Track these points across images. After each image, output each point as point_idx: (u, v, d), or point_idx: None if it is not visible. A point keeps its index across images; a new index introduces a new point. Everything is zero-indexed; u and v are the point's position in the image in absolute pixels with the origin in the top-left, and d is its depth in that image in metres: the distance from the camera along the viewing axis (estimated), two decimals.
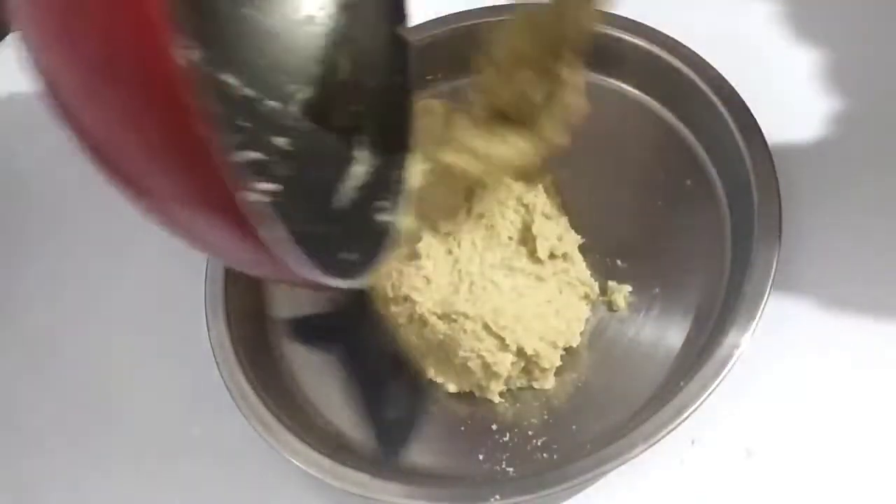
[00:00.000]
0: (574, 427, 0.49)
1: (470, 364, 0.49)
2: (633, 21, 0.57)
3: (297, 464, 0.48)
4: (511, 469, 0.48)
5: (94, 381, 0.58)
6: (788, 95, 0.56)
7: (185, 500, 0.53)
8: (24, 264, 0.64)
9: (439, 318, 0.49)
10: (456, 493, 0.46)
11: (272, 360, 0.55)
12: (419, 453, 0.50)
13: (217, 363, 0.52)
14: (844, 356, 0.48)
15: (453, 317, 0.49)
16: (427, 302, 0.50)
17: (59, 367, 0.59)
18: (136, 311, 0.60)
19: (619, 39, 0.57)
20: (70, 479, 0.55)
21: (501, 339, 0.49)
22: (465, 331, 0.49)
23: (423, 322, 0.50)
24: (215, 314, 0.54)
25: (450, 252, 0.51)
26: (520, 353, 0.49)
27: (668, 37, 0.56)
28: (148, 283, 0.61)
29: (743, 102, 0.52)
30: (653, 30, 0.56)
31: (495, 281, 0.50)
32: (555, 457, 0.48)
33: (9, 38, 0.75)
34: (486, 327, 0.49)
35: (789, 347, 0.48)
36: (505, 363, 0.49)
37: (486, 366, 0.49)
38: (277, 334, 0.56)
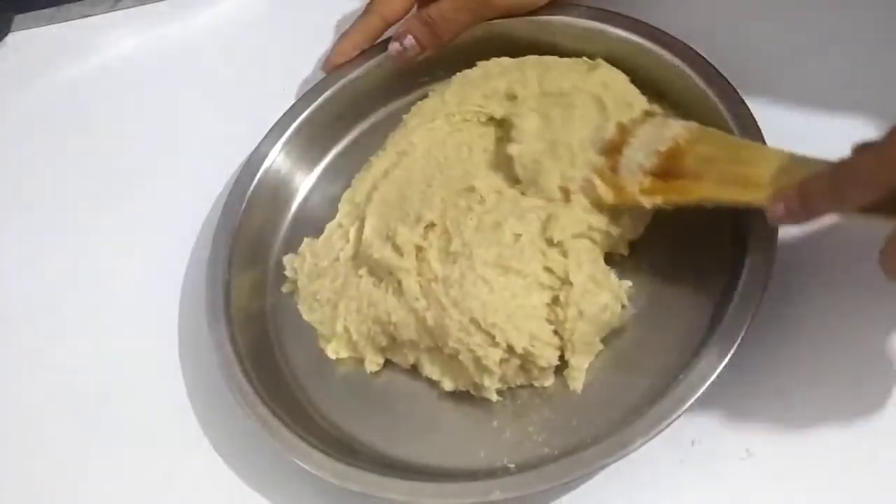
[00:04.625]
0: (574, 423, 0.49)
1: (461, 358, 0.49)
2: (634, 20, 0.57)
3: (298, 462, 0.48)
4: (512, 465, 0.48)
5: (94, 381, 0.58)
6: (790, 96, 0.56)
7: (186, 500, 0.53)
8: (25, 263, 0.64)
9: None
10: (457, 489, 0.46)
11: (273, 359, 0.55)
12: (419, 450, 0.50)
13: (217, 363, 0.52)
14: (844, 355, 0.48)
15: (442, 302, 0.49)
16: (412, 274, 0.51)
17: (59, 368, 0.59)
18: (138, 313, 0.60)
19: (621, 39, 0.57)
20: (70, 480, 0.55)
21: (491, 336, 0.49)
22: (451, 319, 0.49)
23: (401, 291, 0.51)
24: (216, 315, 0.54)
25: (449, 240, 0.51)
26: (510, 350, 0.49)
27: (669, 35, 0.56)
28: (149, 284, 0.61)
29: (743, 102, 0.52)
30: (654, 28, 0.56)
31: (487, 278, 0.50)
32: (555, 452, 0.48)
33: (9, 37, 0.75)
34: (474, 322, 0.49)
35: (789, 347, 0.48)
36: (494, 358, 0.49)
37: (476, 360, 0.49)
38: (278, 334, 0.56)
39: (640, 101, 0.54)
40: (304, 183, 0.61)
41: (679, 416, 0.44)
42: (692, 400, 0.44)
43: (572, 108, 0.53)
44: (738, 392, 0.47)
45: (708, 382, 0.45)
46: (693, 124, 0.49)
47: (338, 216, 0.57)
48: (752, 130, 0.51)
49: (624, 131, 0.51)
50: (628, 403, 0.48)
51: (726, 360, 0.45)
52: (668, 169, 0.48)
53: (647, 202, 0.48)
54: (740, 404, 0.47)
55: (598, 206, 0.50)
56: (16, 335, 0.61)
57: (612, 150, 0.50)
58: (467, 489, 0.46)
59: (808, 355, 0.48)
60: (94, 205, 0.66)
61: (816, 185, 0.42)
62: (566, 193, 0.51)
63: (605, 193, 0.50)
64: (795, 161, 0.45)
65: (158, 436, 0.55)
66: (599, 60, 0.56)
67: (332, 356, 0.54)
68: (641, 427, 0.44)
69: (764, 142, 0.50)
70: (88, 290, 0.62)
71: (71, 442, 0.56)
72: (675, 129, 0.49)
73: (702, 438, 0.47)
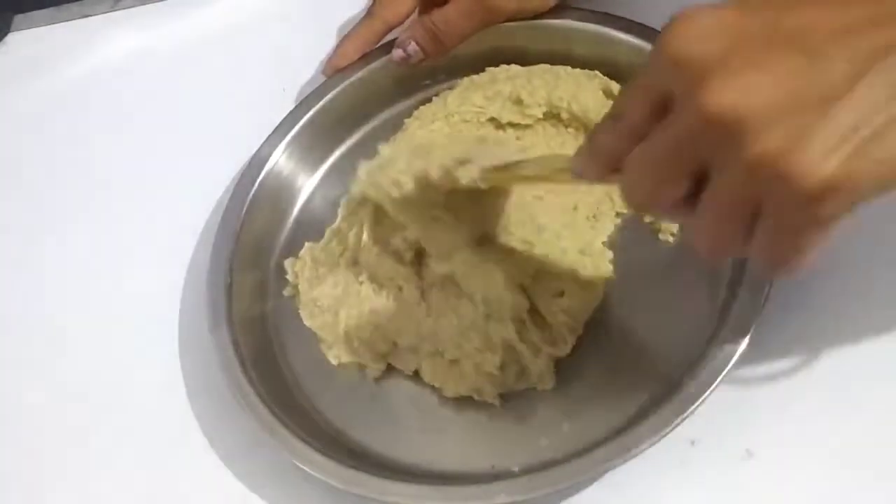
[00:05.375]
0: (576, 426, 0.49)
1: (462, 363, 0.49)
2: (633, 22, 0.57)
3: (301, 466, 0.48)
4: (516, 468, 0.48)
5: (94, 385, 0.58)
6: None
7: (186, 500, 0.53)
8: (25, 263, 0.64)
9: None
10: (459, 493, 0.47)
11: (275, 363, 0.55)
12: (422, 454, 0.50)
13: (219, 366, 0.52)
14: (845, 355, 0.48)
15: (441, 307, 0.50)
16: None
17: (60, 368, 0.59)
18: (138, 316, 0.60)
19: (618, 40, 0.57)
20: (71, 482, 0.55)
21: (489, 339, 0.49)
22: (451, 324, 0.49)
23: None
24: (217, 318, 0.54)
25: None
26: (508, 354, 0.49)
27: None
28: (150, 287, 0.61)
29: None
30: (653, 30, 0.56)
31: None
32: (559, 455, 0.48)
33: (9, 37, 0.75)
34: (475, 326, 0.49)
35: (789, 347, 0.48)
36: (494, 363, 0.49)
37: (476, 365, 0.49)
38: (280, 337, 0.56)
39: None
40: (307, 185, 0.61)
41: (682, 421, 0.44)
42: (696, 405, 0.44)
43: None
44: (738, 392, 0.47)
45: (712, 388, 0.45)
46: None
47: (337, 221, 0.57)
48: None
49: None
50: (631, 407, 0.48)
51: (728, 367, 0.45)
52: None
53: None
54: (740, 404, 0.47)
55: None
56: (14, 337, 0.61)
57: None
58: (471, 493, 0.46)
59: (809, 355, 0.48)
60: (94, 205, 0.66)
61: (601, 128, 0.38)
62: None
63: None
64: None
65: (159, 439, 0.55)
66: (614, 86, 0.56)
67: (334, 362, 0.54)
68: (645, 430, 0.44)
69: None
70: (88, 292, 0.62)
71: (71, 445, 0.56)
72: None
73: (702, 438, 0.47)
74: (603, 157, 0.37)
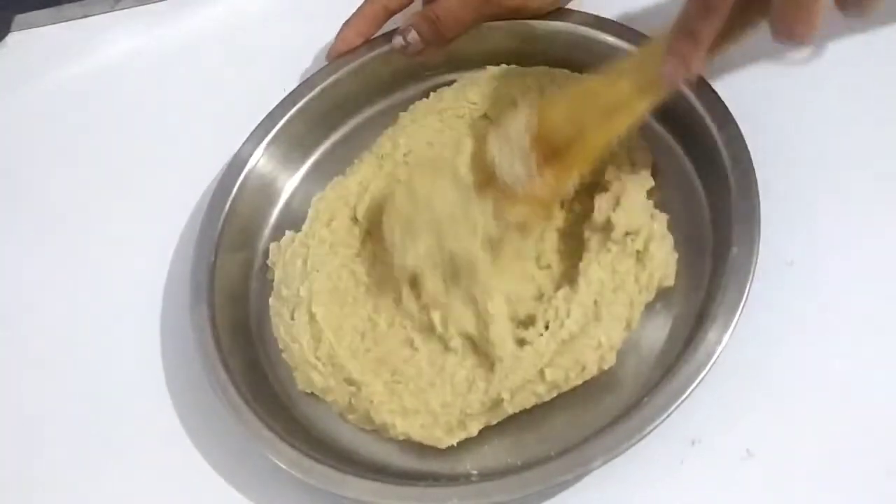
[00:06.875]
0: (544, 434, 0.49)
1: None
2: (631, 29, 0.57)
3: (264, 451, 0.48)
4: (475, 472, 0.48)
5: (74, 369, 0.59)
6: (782, 109, 0.56)
7: (178, 495, 0.53)
8: (22, 260, 0.64)
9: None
10: (416, 493, 0.47)
11: (254, 350, 0.55)
12: (383, 449, 0.51)
13: (210, 385, 0.52)
14: (844, 355, 0.48)
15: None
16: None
17: (56, 363, 0.59)
18: (124, 304, 0.60)
19: (616, 47, 0.56)
20: (64, 477, 0.55)
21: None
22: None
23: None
24: (199, 298, 0.54)
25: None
26: None
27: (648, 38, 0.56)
28: (143, 283, 0.61)
29: (720, 100, 0.52)
30: (640, 34, 0.56)
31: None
32: (518, 462, 0.48)
33: (9, 38, 0.75)
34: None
35: (788, 347, 0.48)
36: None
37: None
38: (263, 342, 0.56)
39: (644, 154, 0.53)
40: (289, 183, 0.62)
41: (652, 431, 0.44)
42: (666, 415, 0.44)
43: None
44: (738, 392, 0.47)
45: (685, 395, 0.45)
46: (522, 105, 0.49)
47: (305, 225, 0.57)
48: (739, 146, 0.50)
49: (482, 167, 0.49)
50: (593, 423, 0.48)
51: (707, 368, 0.45)
52: (548, 153, 0.47)
53: (568, 186, 0.48)
54: (740, 404, 0.47)
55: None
56: (7, 320, 0.62)
57: (486, 182, 0.49)
58: (427, 494, 0.46)
59: (808, 355, 0.48)
60: (93, 205, 0.66)
61: (689, 15, 0.42)
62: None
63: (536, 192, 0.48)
64: (644, 51, 0.45)
65: (135, 423, 0.55)
66: None
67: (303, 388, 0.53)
68: (602, 446, 0.44)
69: (750, 162, 0.50)
70: (86, 287, 0.62)
71: (48, 427, 0.57)
72: (521, 120, 0.48)
73: (702, 438, 0.47)
74: (706, 42, 0.42)
